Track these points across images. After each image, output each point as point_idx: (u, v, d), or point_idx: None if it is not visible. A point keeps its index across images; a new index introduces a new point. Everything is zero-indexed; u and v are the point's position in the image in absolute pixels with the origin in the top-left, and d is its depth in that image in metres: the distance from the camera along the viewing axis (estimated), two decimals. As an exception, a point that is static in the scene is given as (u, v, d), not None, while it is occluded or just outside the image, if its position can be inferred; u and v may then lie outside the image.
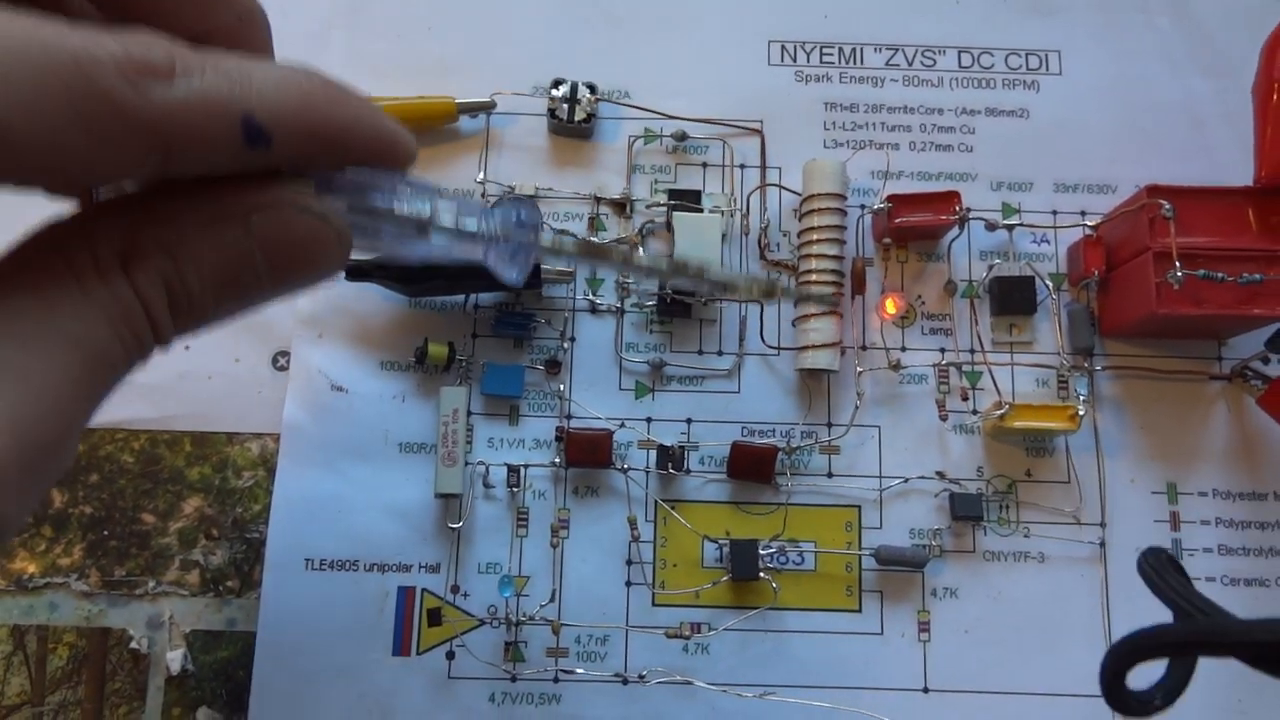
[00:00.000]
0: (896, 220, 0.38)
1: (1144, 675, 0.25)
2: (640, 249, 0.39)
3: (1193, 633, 0.23)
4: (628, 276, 0.39)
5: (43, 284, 0.16)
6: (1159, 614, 0.36)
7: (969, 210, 0.38)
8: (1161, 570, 0.25)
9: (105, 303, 0.17)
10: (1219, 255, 0.35)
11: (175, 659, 0.37)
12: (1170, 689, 0.25)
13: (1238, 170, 0.37)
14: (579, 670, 0.36)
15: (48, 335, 0.16)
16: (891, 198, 0.38)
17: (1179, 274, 0.34)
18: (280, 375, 0.39)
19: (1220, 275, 0.35)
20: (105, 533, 0.38)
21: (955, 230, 0.38)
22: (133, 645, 0.37)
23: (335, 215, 0.20)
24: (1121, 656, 0.24)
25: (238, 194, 0.18)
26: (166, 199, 0.18)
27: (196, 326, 0.19)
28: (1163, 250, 0.35)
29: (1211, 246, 0.35)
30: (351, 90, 0.19)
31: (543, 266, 0.38)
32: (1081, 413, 0.36)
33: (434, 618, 0.36)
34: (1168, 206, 0.35)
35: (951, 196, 0.38)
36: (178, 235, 0.18)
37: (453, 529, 0.37)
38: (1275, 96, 0.35)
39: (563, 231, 0.40)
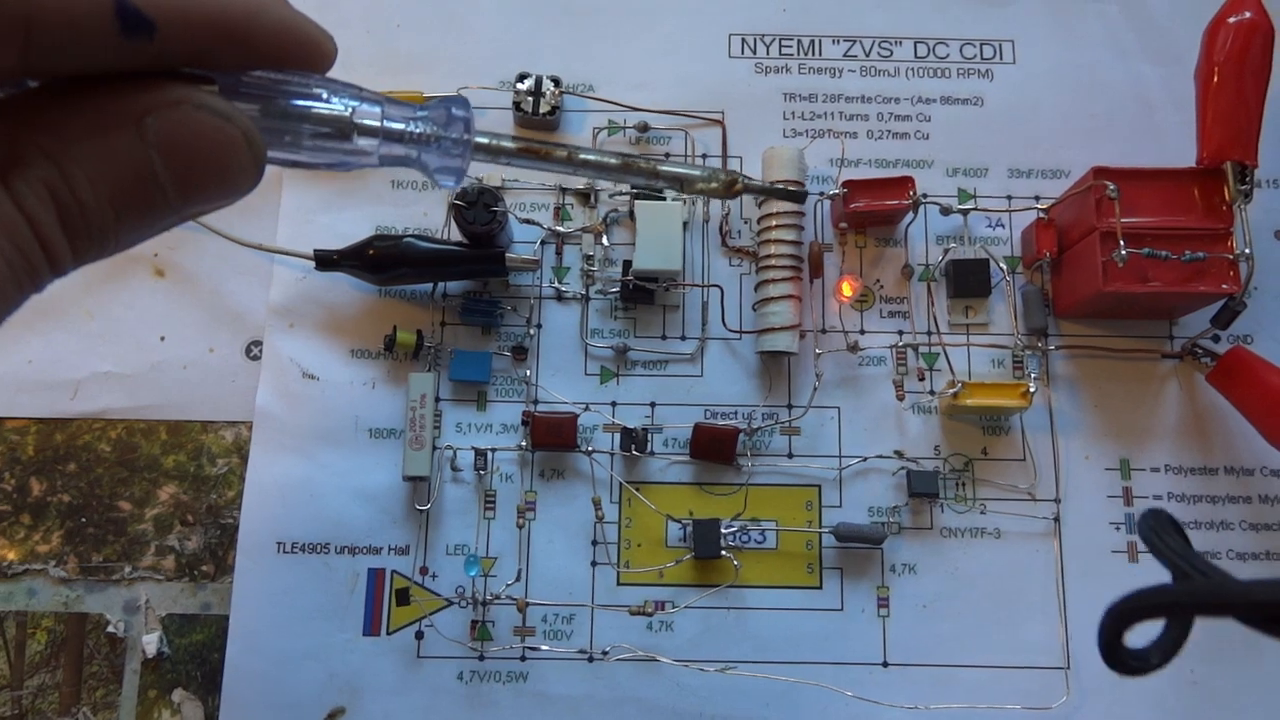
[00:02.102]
0: (851, 205, 0.39)
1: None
2: (605, 237, 0.40)
3: (1192, 594, 0.23)
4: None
5: None
6: (1113, 587, 0.37)
7: (924, 195, 0.39)
8: (1161, 531, 0.25)
9: None
10: (1164, 234, 0.36)
11: (151, 642, 0.37)
12: (1167, 648, 0.25)
13: (1186, 153, 0.38)
14: (544, 648, 0.37)
15: None
16: (847, 183, 0.39)
17: (1123, 253, 0.35)
18: (253, 364, 0.40)
19: (1165, 254, 0.36)
20: (83, 520, 0.39)
21: (911, 215, 0.39)
22: (110, 629, 0.38)
23: (241, 116, 0.18)
24: (1120, 616, 0.24)
25: (129, 93, 0.17)
26: (50, 104, 0.16)
27: (99, 248, 0.17)
28: (1108, 230, 0.36)
29: (1156, 226, 0.36)
30: None
31: (508, 255, 0.39)
32: (1032, 390, 0.37)
33: (402, 598, 0.37)
34: (1112, 187, 0.36)
35: (905, 182, 0.39)
36: (62, 141, 0.16)
37: (420, 511, 0.38)
38: (1215, 79, 0.36)
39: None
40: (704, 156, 0.41)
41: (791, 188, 0.25)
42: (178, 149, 0.17)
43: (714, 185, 0.22)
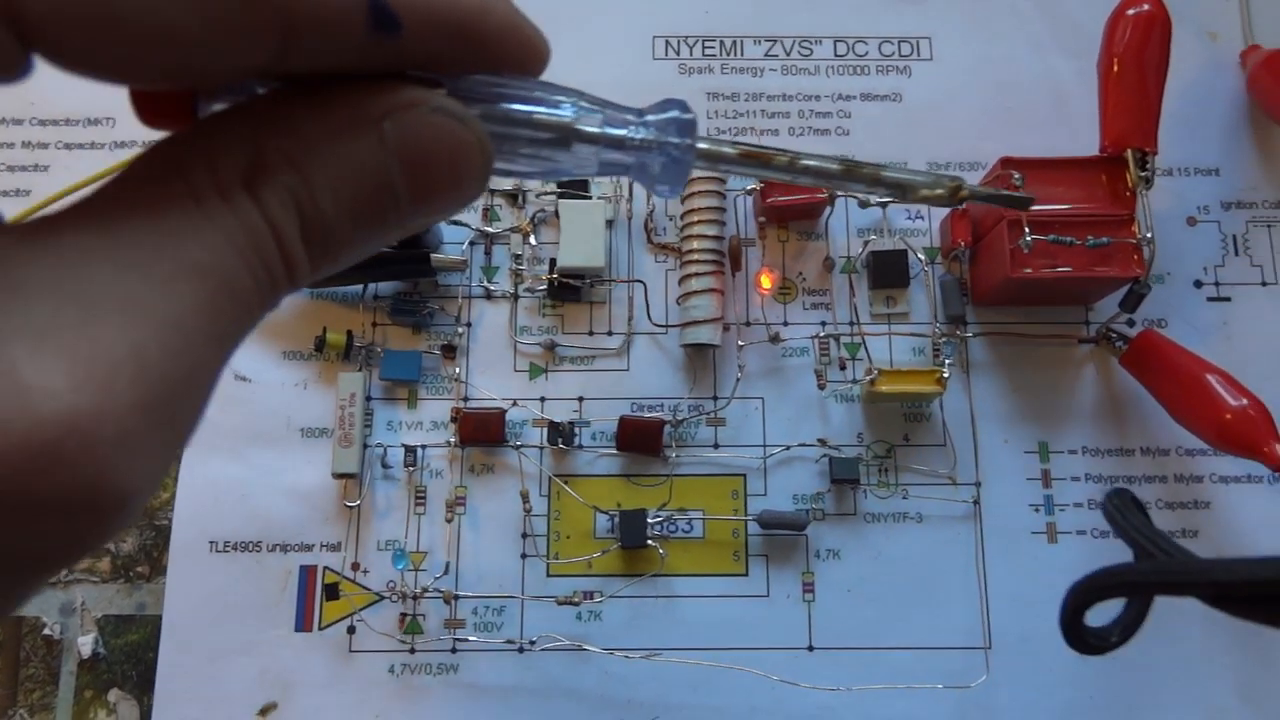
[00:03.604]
0: (768, 200, 0.40)
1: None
2: (531, 237, 0.41)
3: (1154, 572, 0.23)
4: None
5: (159, 208, 0.14)
6: (1033, 568, 0.38)
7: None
8: (1124, 509, 0.26)
9: (230, 227, 0.14)
10: (1069, 221, 0.37)
11: (87, 643, 0.38)
12: (1127, 626, 0.25)
13: (1096, 142, 0.39)
14: (473, 639, 0.37)
15: (171, 265, 0.14)
16: (764, 180, 0.40)
17: (1029, 239, 0.36)
18: (187, 368, 0.40)
19: (1070, 239, 0.36)
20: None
21: (829, 209, 0.40)
22: (45, 632, 0.38)
23: (475, 120, 0.17)
24: (1082, 594, 0.24)
25: (367, 95, 0.16)
26: (290, 107, 0.16)
27: (332, 262, 0.16)
28: (1015, 218, 0.37)
29: (1062, 213, 0.37)
30: None
31: (434, 256, 0.39)
32: (946, 376, 0.38)
33: (331, 592, 0.37)
34: (1017, 176, 0.37)
35: (822, 176, 0.40)
36: (305, 146, 0.15)
37: (350, 508, 0.38)
38: (1115, 69, 0.37)
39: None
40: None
41: (1018, 195, 0.25)
42: (415, 154, 0.16)
43: (938, 192, 0.21)
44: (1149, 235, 0.36)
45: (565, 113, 0.18)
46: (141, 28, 0.13)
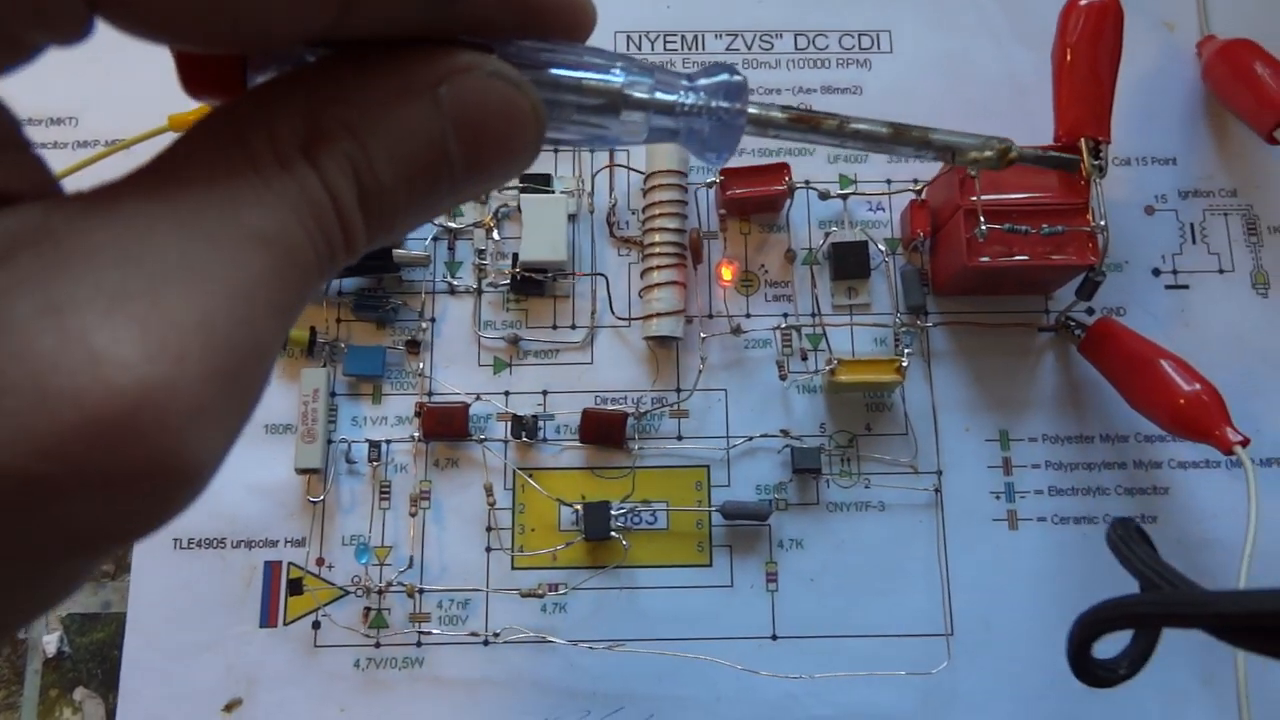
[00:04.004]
0: (728, 193, 0.40)
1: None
2: (495, 232, 0.41)
3: (1160, 605, 0.23)
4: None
5: (219, 175, 0.14)
6: (994, 556, 0.38)
7: (807, 181, 0.40)
8: (1129, 541, 0.25)
9: (291, 194, 0.14)
10: (1024, 210, 0.37)
11: (51, 642, 0.38)
12: (1135, 659, 0.25)
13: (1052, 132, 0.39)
14: (436, 631, 0.37)
15: (233, 232, 0.14)
16: (724, 172, 0.40)
17: (984, 228, 0.36)
18: (152, 366, 0.40)
19: (1025, 228, 0.37)
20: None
21: (789, 200, 0.41)
22: (10, 631, 0.38)
23: (529, 85, 0.17)
24: (1088, 627, 0.24)
25: (422, 61, 0.16)
26: (346, 73, 0.16)
27: (387, 231, 0.16)
28: (970, 208, 0.37)
29: (1018, 202, 0.37)
30: None
31: (397, 252, 0.40)
32: (905, 365, 0.38)
33: (295, 587, 0.38)
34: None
35: (781, 169, 0.40)
36: (362, 112, 0.15)
37: (314, 503, 0.38)
38: (1068, 58, 0.38)
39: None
40: (591, 150, 0.43)
41: (1066, 155, 0.24)
42: (470, 119, 0.16)
43: (987, 154, 0.21)
44: (1103, 223, 0.37)
45: (615, 78, 0.18)
46: None
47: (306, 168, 0.14)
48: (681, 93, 0.18)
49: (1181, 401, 0.35)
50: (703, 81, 0.18)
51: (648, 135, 0.19)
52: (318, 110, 0.15)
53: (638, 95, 0.18)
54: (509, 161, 0.17)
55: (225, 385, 0.13)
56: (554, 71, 0.17)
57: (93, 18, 0.13)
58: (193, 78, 0.16)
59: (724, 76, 0.19)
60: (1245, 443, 0.33)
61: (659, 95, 0.18)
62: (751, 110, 0.19)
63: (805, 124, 0.19)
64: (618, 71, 0.18)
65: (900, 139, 0.20)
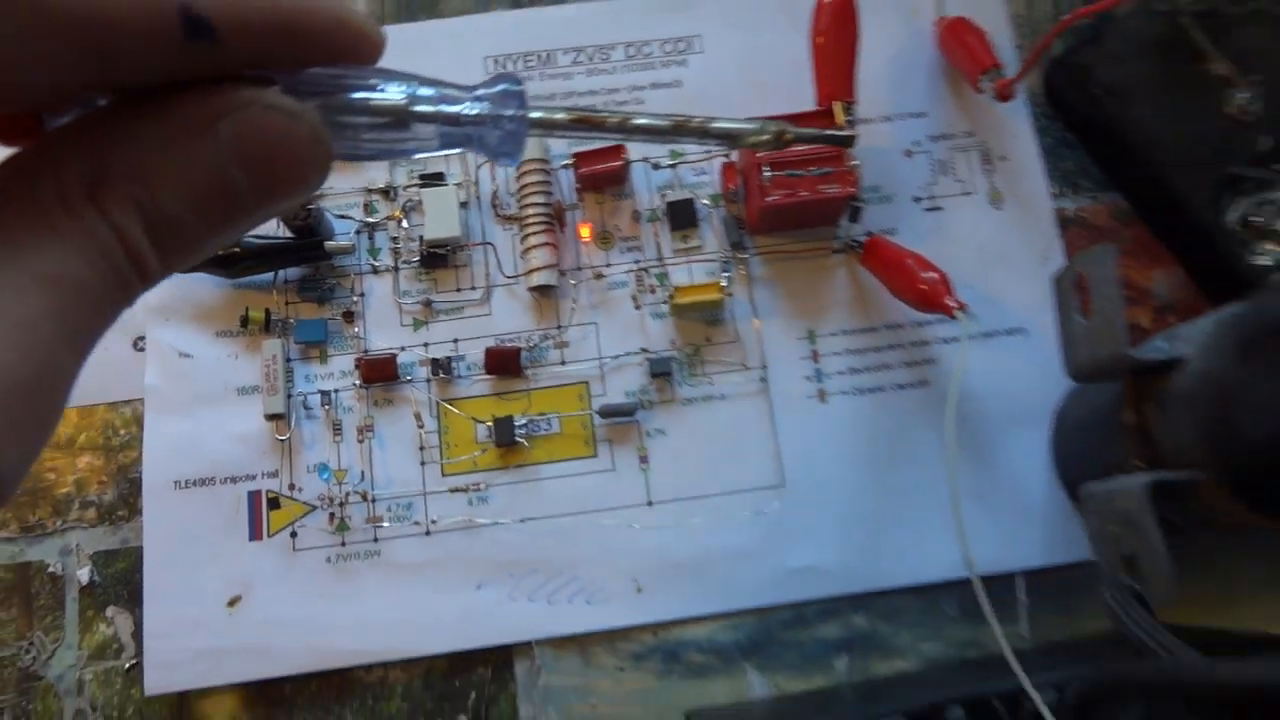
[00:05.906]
0: (581, 170, 0.52)
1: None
2: (404, 221, 0.53)
3: (1161, 676, 0.23)
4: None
5: (8, 222, 0.15)
6: (810, 421, 0.50)
7: (644, 158, 0.52)
8: (1125, 605, 0.25)
9: (76, 238, 0.15)
10: (800, 160, 0.49)
11: (84, 574, 0.48)
12: None
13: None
14: (385, 524, 0.48)
15: (15, 277, 0.15)
16: (575, 155, 0.52)
17: (768, 174, 0.48)
18: (140, 354, 0.51)
19: (801, 172, 0.49)
20: (19, 491, 0.49)
21: (628, 172, 0.52)
22: (50, 570, 0.48)
23: (309, 112, 0.18)
24: (1089, 696, 0.24)
25: (199, 100, 0.17)
26: (128, 117, 0.16)
27: (187, 257, 0.18)
28: (760, 162, 0.49)
29: (794, 154, 0.49)
30: None
31: (328, 244, 0.51)
32: (725, 285, 0.50)
33: (274, 503, 0.48)
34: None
35: (619, 149, 0.52)
36: (143, 154, 0.16)
37: (281, 441, 0.49)
38: (821, 42, 0.50)
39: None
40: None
41: (840, 134, 0.28)
42: (250, 151, 0.17)
43: (764, 138, 0.22)
44: (856, 163, 0.49)
45: (398, 96, 0.19)
46: None
47: (93, 211, 0.16)
48: (466, 104, 0.20)
49: (922, 286, 0.47)
50: (483, 91, 0.20)
51: (441, 144, 0.20)
52: (103, 153, 0.16)
53: (423, 110, 0.19)
54: (298, 184, 0.18)
55: (13, 411, 0.14)
56: (342, 96, 0.19)
57: None
58: None
59: (504, 86, 0.20)
60: (961, 307, 0.45)
61: (444, 108, 0.19)
62: (535, 114, 0.20)
63: (588, 124, 0.21)
64: (401, 89, 0.19)
65: (681, 131, 0.22)
